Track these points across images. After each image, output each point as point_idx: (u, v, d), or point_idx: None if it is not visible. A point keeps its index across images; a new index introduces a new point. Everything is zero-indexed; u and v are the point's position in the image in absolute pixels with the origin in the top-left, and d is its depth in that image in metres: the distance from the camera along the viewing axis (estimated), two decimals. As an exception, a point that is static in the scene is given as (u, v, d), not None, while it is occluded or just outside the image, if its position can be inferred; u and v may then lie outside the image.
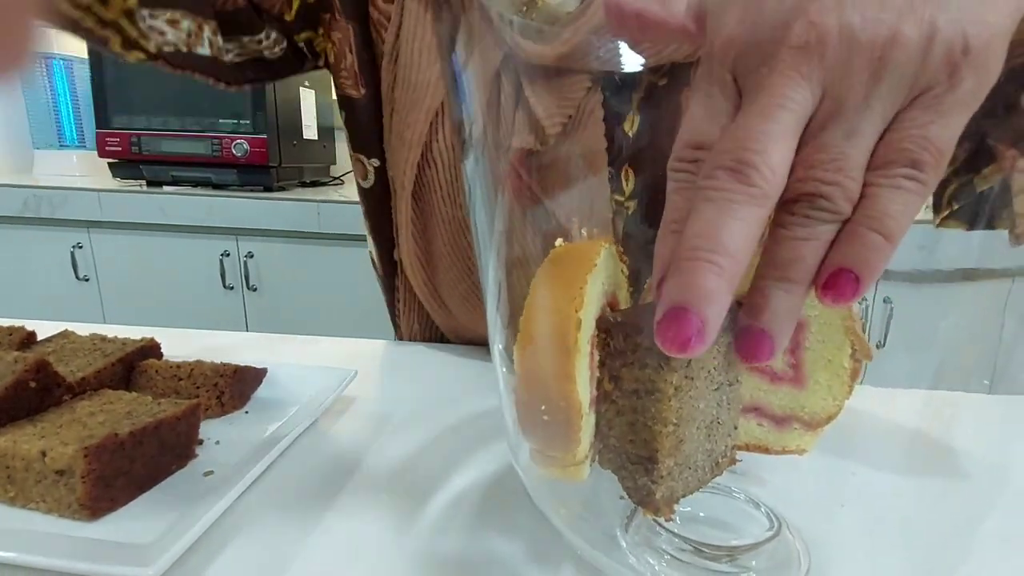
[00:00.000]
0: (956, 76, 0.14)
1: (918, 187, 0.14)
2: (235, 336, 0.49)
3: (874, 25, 0.14)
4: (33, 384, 0.28)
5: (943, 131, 0.14)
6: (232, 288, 1.45)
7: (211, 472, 0.28)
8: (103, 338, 0.36)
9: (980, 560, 0.20)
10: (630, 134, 0.35)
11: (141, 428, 0.26)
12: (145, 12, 0.38)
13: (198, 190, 1.45)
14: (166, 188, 1.47)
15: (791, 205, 0.15)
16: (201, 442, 0.31)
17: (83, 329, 0.38)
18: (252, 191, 1.45)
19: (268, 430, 0.32)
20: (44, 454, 0.25)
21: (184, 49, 0.41)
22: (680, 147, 0.17)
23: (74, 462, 0.24)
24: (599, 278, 0.19)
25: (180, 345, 0.44)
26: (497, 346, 0.22)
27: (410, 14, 0.38)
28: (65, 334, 0.37)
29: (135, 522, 0.25)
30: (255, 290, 1.45)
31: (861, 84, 0.14)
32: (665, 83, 0.36)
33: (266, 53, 0.44)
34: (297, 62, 0.47)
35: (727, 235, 0.14)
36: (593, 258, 0.19)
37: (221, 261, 1.43)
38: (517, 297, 0.21)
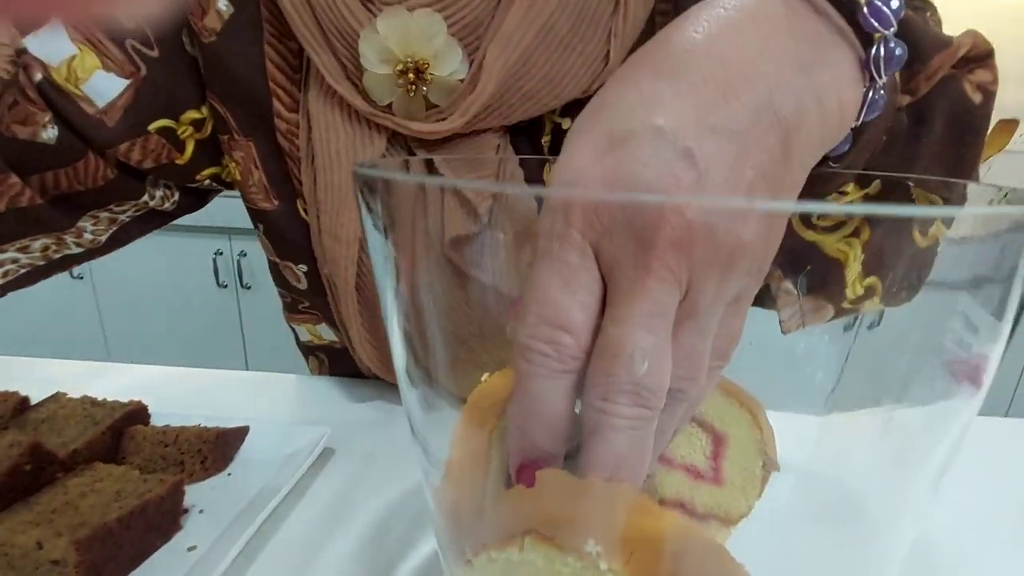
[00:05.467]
0: (757, 281, 0.16)
1: (719, 374, 0.17)
2: (217, 377, 0.51)
3: (727, 227, 0.15)
4: (28, 467, 0.31)
5: (741, 324, 0.17)
6: (226, 286, 1.47)
7: (194, 547, 0.31)
8: (93, 402, 0.38)
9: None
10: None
11: (128, 513, 0.29)
12: None
13: (189, 189, 1.46)
14: (157, 186, 1.47)
15: None
16: (186, 511, 0.33)
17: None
18: (243, 190, 1.46)
19: (249, 496, 0.34)
20: (40, 545, 0.27)
21: (43, 263, 0.42)
22: (535, 321, 0.16)
23: (67, 554, 0.27)
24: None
25: (167, 386, 0.46)
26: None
27: (318, 120, 0.38)
28: (56, 398, 0.39)
29: (124, 604, 0.27)
30: (249, 288, 1.47)
31: (713, 287, 0.15)
32: (569, 125, 0.37)
33: (158, 209, 0.45)
34: (198, 201, 0.48)
35: (640, 464, 0.16)
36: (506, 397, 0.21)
37: (214, 260, 1.44)
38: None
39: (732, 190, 0.15)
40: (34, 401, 0.39)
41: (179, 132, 0.42)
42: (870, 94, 0.18)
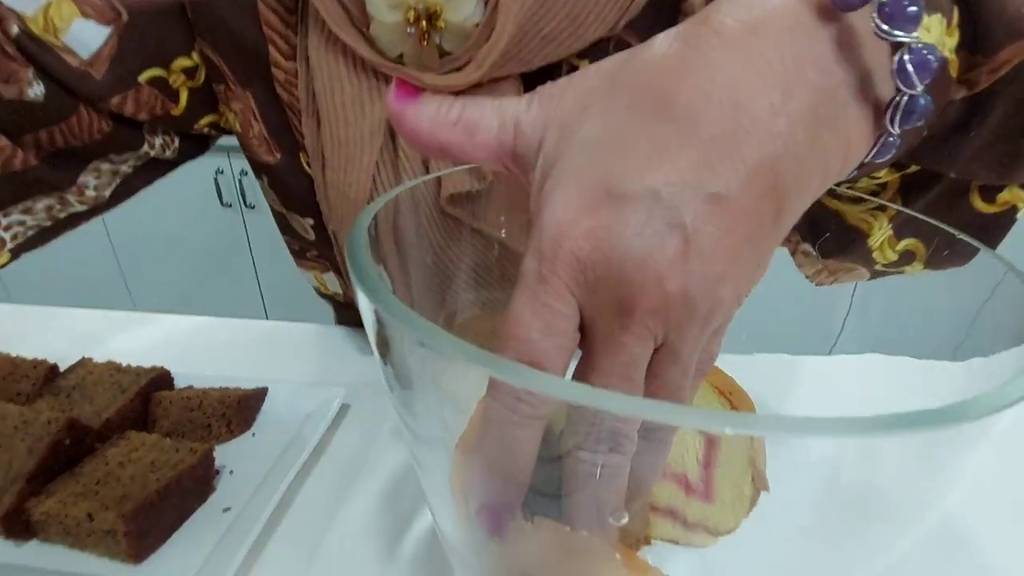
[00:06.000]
0: (735, 310, 0.17)
1: (699, 383, 0.19)
2: (233, 328, 0.53)
3: (706, 291, 0.16)
4: (67, 442, 0.33)
5: (719, 345, 0.19)
6: (230, 206, 1.46)
7: (229, 508, 0.34)
8: (118, 368, 0.40)
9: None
10: None
11: (165, 485, 0.31)
12: None
13: (182, 105, 1.41)
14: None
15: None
16: (217, 472, 0.36)
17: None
18: (237, 105, 1.40)
19: (274, 455, 0.37)
20: (91, 517, 0.30)
21: (49, 223, 0.41)
22: (511, 357, 0.16)
23: (115, 525, 0.29)
24: None
25: (186, 341, 0.48)
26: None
27: (321, 70, 0.35)
28: (83, 364, 0.41)
29: (173, 563, 0.31)
30: (253, 208, 1.46)
31: (692, 336, 0.16)
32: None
33: (160, 158, 0.43)
34: (198, 148, 0.46)
35: (619, 499, 0.17)
36: None
37: (216, 179, 1.42)
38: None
39: (718, 259, 0.15)
40: (60, 364, 0.41)
41: (171, 81, 0.40)
42: (883, 137, 0.17)
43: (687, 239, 0.15)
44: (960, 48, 0.20)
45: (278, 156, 0.42)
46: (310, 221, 0.45)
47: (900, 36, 0.15)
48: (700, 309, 0.16)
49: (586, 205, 0.16)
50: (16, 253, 0.42)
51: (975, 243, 0.19)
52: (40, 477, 0.32)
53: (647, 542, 0.26)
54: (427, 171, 0.38)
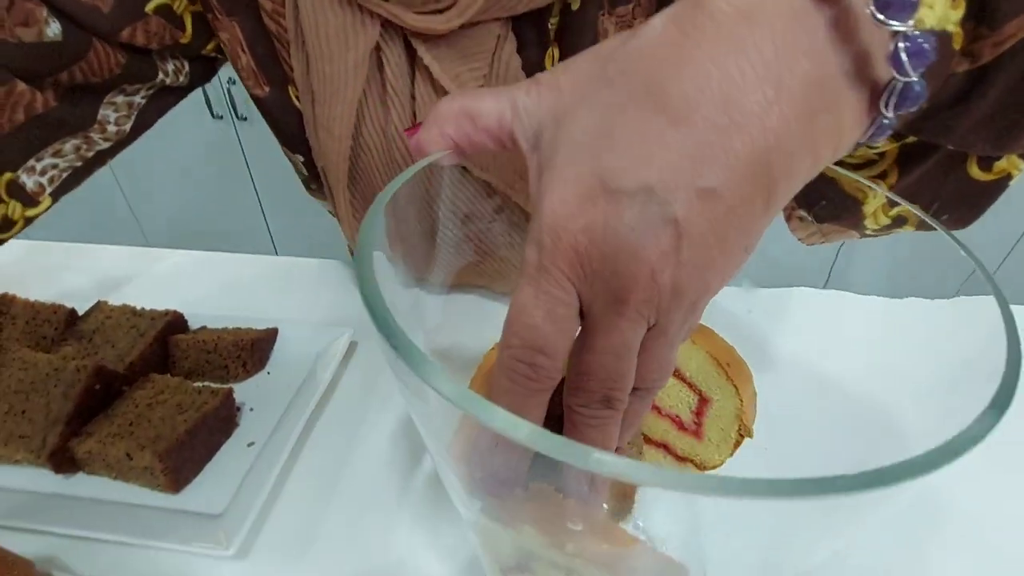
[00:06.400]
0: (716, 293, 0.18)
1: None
2: (241, 264, 0.54)
3: (695, 281, 0.17)
4: (98, 387, 0.36)
5: (700, 316, 0.19)
6: (221, 117, 1.42)
7: (252, 443, 0.37)
8: (133, 311, 0.42)
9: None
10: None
11: (193, 425, 0.34)
12: (31, 163, 0.38)
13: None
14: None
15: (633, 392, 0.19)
16: (239, 409, 0.39)
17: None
18: (218, 6, 1.32)
19: (290, 393, 0.40)
20: (129, 456, 0.33)
21: (80, 163, 0.41)
22: (518, 345, 0.18)
23: (152, 463, 0.33)
24: None
25: (196, 279, 0.50)
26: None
27: (306, 0, 0.35)
28: (100, 308, 0.42)
29: (208, 492, 0.34)
30: (245, 120, 1.42)
31: (681, 319, 0.18)
32: (579, 6, 0.35)
33: (173, 86, 0.42)
34: (208, 73, 0.45)
35: (611, 447, 0.19)
36: None
37: (204, 89, 1.37)
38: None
39: (709, 250, 0.16)
40: (75, 302, 0.43)
41: (175, 8, 0.39)
42: (877, 120, 0.17)
43: (679, 233, 0.16)
44: (966, 20, 0.20)
45: (267, 89, 0.41)
46: (300, 158, 0.45)
47: (896, 25, 0.15)
48: (689, 296, 0.17)
49: (583, 199, 0.16)
50: (56, 196, 0.42)
51: (958, 241, 0.20)
52: (77, 419, 0.35)
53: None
54: (414, 105, 0.38)
